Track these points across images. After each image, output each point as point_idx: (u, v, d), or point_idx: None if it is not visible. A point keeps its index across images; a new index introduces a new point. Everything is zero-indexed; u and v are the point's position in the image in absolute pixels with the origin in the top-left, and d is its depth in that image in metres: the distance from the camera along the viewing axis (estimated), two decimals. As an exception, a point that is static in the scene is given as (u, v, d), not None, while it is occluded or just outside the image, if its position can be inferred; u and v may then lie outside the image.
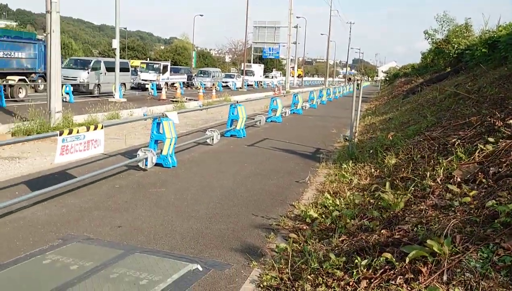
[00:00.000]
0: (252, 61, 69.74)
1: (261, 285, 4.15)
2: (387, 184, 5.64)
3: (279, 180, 8.34)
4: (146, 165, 8.52)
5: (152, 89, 29.70)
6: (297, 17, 59.16)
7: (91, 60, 27.90)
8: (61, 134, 6.13)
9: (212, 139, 11.55)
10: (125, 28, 77.37)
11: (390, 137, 8.48)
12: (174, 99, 25.67)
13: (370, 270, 3.69)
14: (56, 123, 13.80)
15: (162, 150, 8.83)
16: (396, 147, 8.81)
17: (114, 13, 24.10)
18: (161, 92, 27.93)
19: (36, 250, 4.79)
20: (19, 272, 4.31)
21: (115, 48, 24.74)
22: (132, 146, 11.29)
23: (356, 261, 3.79)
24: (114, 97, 24.00)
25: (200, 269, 4.49)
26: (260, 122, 15.87)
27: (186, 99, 25.95)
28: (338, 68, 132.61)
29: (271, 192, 7.46)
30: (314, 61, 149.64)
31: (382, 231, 4.35)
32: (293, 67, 58.26)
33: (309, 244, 4.77)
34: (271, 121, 17.11)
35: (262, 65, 66.35)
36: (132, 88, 32.21)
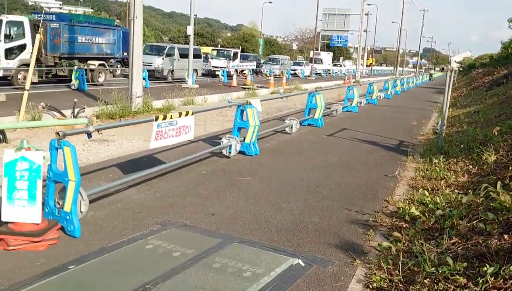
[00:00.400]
0: (319, 49, 68.74)
1: (370, 286, 3.94)
2: (499, 183, 5.22)
3: (366, 172, 8.04)
4: (229, 152, 8.49)
5: (223, 76, 29.92)
6: (368, 4, 57.46)
7: (166, 47, 28.51)
8: (156, 119, 6.17)
9: (291, 128, 11.38)
10: (196, 15, 78.51)
11: (495, 133, 7.93)
12: (244, 86, 25.71)
13: (499, 279, 3.39)
14: (136, 107, 14.16)
15: (245, 138, 8.77)
16: (492, 142, 8.24)
17: (189, 0, 24.41)
18: (231, 79, 28.08)
19: (137, 234, 4.84)
20: (124, 255, 4.35)
21: (189, 35, 25.04)
22: (211, 132, 11.36)
23: (484, 268, 3.48)
24: (186, 83, 24.38)
25: (302, 264, 4.34)
26: (336, 112, 15.51)
27: (257, 86, 25.89)
28: (407, 58, 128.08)
29: (360, 186, 7.19)
30: (383, 50, 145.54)
31: (504, 236, 4.00)
32: (362, 56, 56.80)
33: (416, 245, 4.49)
34: (346, 111, 16.69)
35: (331, 53, 65.23)
36: (202, 74, 32.66)
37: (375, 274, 4.09)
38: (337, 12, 57.43)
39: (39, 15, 22.53)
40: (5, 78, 18.93)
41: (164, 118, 6.32)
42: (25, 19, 20.31)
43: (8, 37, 19.13)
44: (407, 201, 6.08)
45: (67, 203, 4.66)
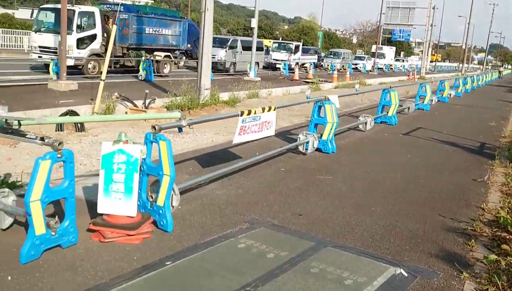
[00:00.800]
0: (380, 43, 67.04)
1: (485, 304, 3.64)
2: None
3: (452, 176, 7.62)
4: (306, 149, 8.28)
5: (284, 69, 29.64)
6: (434, -4, 55.15)
7: (229, 39, 28.59)
8: (241, 114, 6.06)
9: (365, 125, 11.01)
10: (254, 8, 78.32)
11: None
12: (307, 80, 25.39)
13: None
14: (204, 99, 14.20)
15: (322, 134, 8.53)
16: None
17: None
18: (293, 72, 27.80)
19: (227, 232, 4.73)
20: (217, 254, 4.25)
21: (253, 28, 24.97)
22: (281, 127, 11.18)
23: None
24: (248, 76, 24.32)
25: (405, 274, 4.08)
26: (408, 109, 14.93)
27: (319, 80, 25.48)
28: (472, 54, 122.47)
29: (449, 190, 6.80)
30: (447, 45, 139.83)
31: None
32: (422, 51, 54.82)
33: (530, 260, 4.13)
34: (417, 108, 16.04)
35: (394, 48, 63.37)
36: (263, 67, 32.55)
37: (487, 290, 3.78)
38: (401, 6, 55.55)
39: (108, 5, 23.10)
40: (76, 67, 19.48)
41: (249, 113, 6.19)
42: (96, 10, 20.79)
43: (79, 28, 19.62)
44: (505, 210, 5.67)
45: (160, 197, 4.61)
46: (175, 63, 25.01)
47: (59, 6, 16.83)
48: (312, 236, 4.77)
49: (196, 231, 4.71)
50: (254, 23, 24.81)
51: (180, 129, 5.14)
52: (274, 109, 6.83)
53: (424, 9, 51.75)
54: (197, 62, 26.58)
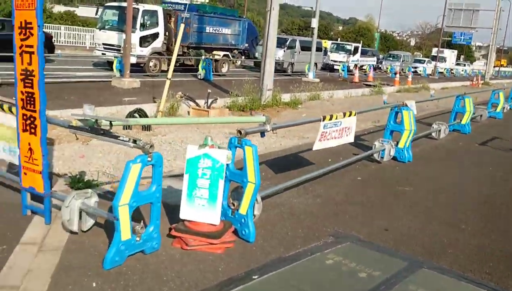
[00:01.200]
0: (439, 46, 64.79)
1: None
2: None
3: (543, 192, 7.03)
4: (381, 157, 7.88)
5: (343, 70, 29.00)
6: (501, -1, 52.50)
7: (288, 39, 28.30)
8: (323, 119, 5.77)
9: (439, 132, 10.44)
10: (311, 8, 77.61)
11: None
12: (367, 83, 24.71)
13: None
14: (266, 100, 13.99)
15: (398, 142, 8.10)
16: None
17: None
18: (352, 74, 27.18)
19: (312, 245, 4.45)
20: (305, 270, 3.99)
21: (314, 28, 24.57)
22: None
23: None
24: (306, 77, 23.91)
25: (515, 305, 3.68)
26: (481, 117, 14.13)
27: (380, 84, 24.74)
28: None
29: (544, 209, 6.24)
30: (510, 49, 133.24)
31: None
32: (483, 55, 52.49)
33: None
34: (490, 116, 15.16)
35: (455, 51, 61.02)
36: (320, 68, 32.04)
37: None
38: (464, 8, 53.32)
39: (169, 4, 23.34)
40: (137, 65, 19.68)
41: (330, 118, 5.90)
42: (159, 9, 20.97)
43: (143, 26, 19.80)
44: None
45: (243, 205, 4.40)
46: (233, 63, 24.96)
47: (123, 4, 17.10)
48: (404, 255, 4.42)
49: (278, 242, 4.47)
50: (314, 23, 24.39)
51: (262, 134, 4.92)
52: (355, 115, 6.50)
53: (488, 11, 49.50)
54: (254, 61, 26.73)
